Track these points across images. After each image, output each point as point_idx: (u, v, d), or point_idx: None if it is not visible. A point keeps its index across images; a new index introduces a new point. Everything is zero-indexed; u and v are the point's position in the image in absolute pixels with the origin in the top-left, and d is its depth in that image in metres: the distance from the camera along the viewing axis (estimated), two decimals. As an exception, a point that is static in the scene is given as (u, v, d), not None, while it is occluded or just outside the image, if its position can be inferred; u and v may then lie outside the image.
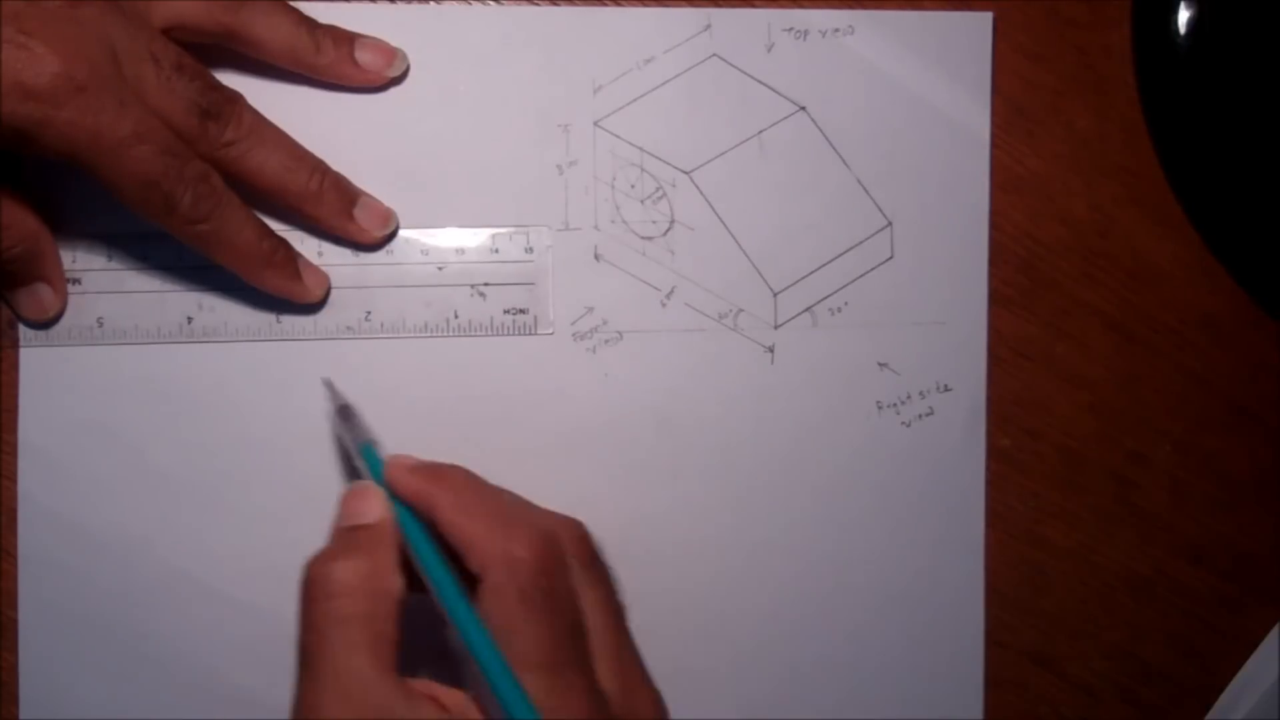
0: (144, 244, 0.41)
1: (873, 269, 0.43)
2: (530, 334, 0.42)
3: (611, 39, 0.42)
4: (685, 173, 0.43)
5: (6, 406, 0.41)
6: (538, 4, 0.42)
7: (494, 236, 0.42)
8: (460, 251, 0.42)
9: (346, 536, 0.36)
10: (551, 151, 0.42)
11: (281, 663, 0.42)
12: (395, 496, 0.36)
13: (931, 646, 0.44)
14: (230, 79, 0.40)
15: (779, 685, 0.44)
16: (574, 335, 0.42)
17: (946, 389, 0.44)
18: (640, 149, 0.42)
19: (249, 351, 0.41)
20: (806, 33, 0.43)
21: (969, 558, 0.44)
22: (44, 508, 0.41)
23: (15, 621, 0.41)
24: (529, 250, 0.42)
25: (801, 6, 0.43)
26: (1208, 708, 0.46)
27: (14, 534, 0.41)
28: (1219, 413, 0.45)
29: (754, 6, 0.43)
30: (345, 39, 0.41)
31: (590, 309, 0.42)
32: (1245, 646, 0.45)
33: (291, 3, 0.40)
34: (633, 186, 0.43)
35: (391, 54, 0.41)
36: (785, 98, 0.43)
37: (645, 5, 0.43)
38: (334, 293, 0.42)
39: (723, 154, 0.43)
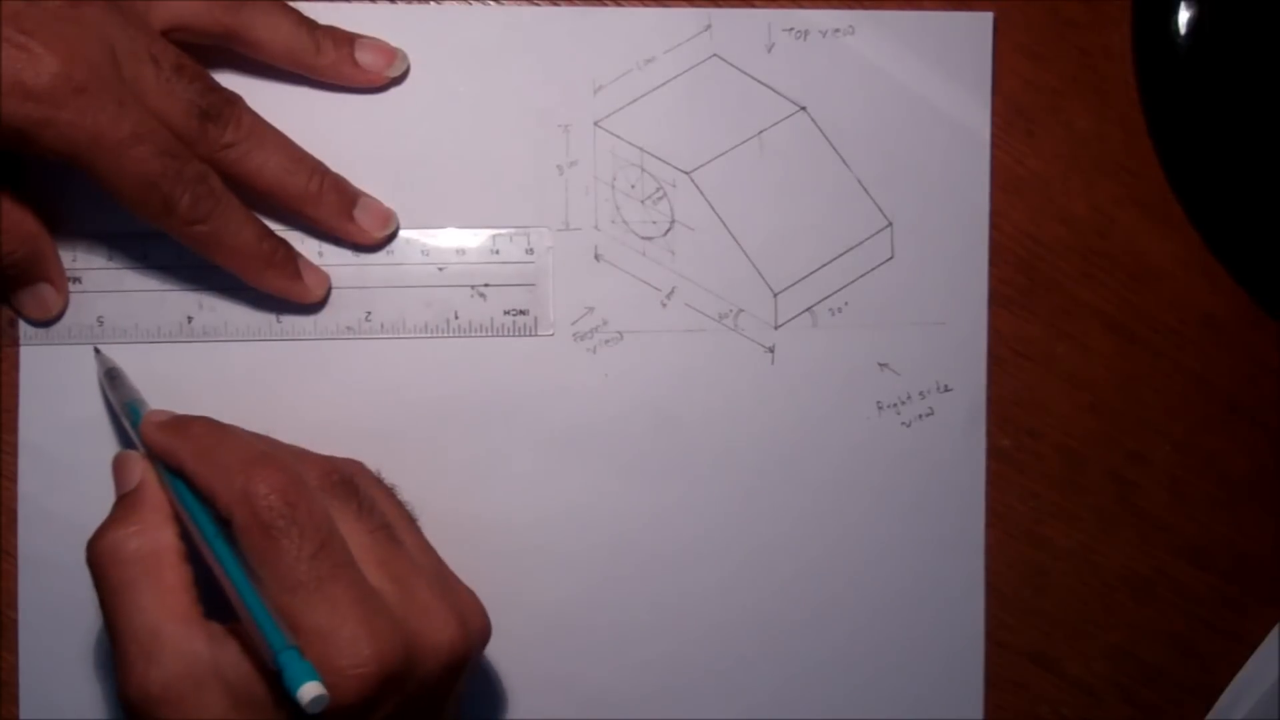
0: (144, 243, 0.41)
1: (873, 269, 0.43)
2: (530, 335, 0.42)
3: (611, 39, 0.42)
4: (685, 173, 0.43)
5: (6, 406, 0.41)
6: (538, 4, 0.42)
7: (494, 238, 0.42)
8: (460, 252, 0.42)
9: (116, 506, 0.36)
10: (551, 152, 0.42)
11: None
12: (154, 457, 0.37)
13: (931, 646, 0.44)
14: (230, 80, 0.40)
15: (779, 685, 0.44)
16: (574, 335, 0.42)
17: (946, 389, 0.44)
18: (640, 149, 0.42)
19: (249, 352, 0.41)
20: (807, 33, 0.43)
21: (969, 558, 0.44)
22: (44, 508, 0.41)
23: (15, 621, 0.41)
24: (529, 251, 0.42)
25: (802, 6, 0.43)
26: (1208, 708, 0.46)
27: (14, 534, 0.41)
28: (1219, 413, 0.45)
29: (754, 6, 0.43)
30: (345, 40, 0.41)
31: (590, 309, 0.42)
32: (1245, 646, 0.45)
33: (291, 3, 0.40)
34: (633, 187, 0.43)
35: (392, 54, 0.41)
36: (785, 98, 0.43)
37: (645, 5, 0.43)
38: (334, 293, 0.42)
39: (723, 154, 0.43)
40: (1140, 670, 0.45)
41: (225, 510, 0.34)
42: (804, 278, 0.43)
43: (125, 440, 0.41)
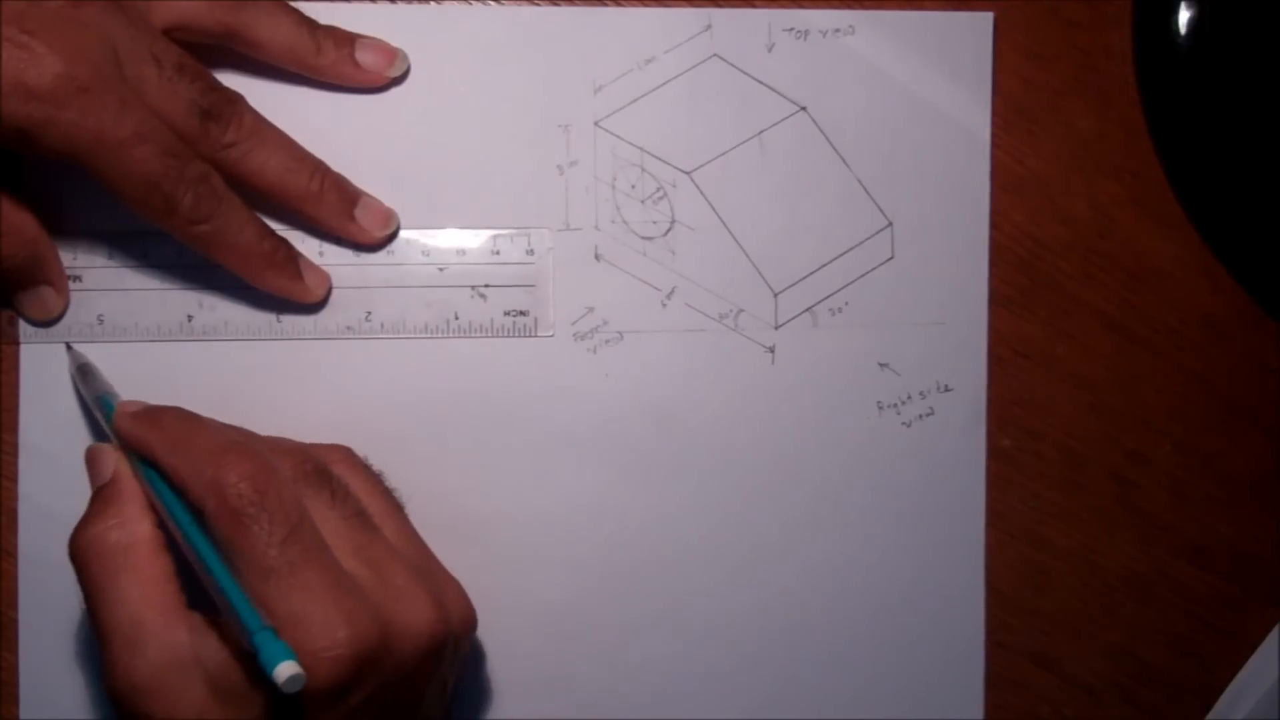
0: (145, 242, 0.41)
1: (873, 269, 0.43)
2: (531, 336, 0.42)
3: (612, 39, 0.42)
4: (686, 173, 0.43)
5: (6, 406, 0.41)
6: (538, 4, 0.42)
7: (495, 238, 0.42)
8: (461, 253, 0.42)
9: (95, 500, 0.37)
10: (552, 152, 0.42)
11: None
12: (128, 449, 0.37)
13: (931, 646, 0.44)
14: (231, 80, 0.40)
15: (779, 685, 0.44)
16: (574, 335, 0.42)
17: (947, 389, 0.44)
18: (641, 149, 0.42)
19: (249, 351, 0.41)
20: (807, 33, 0.43)
21: (969, 558, 0.44)
22: (44, 508, 0.41)
23: (15, 621, 0.41)
24: (530, 252, 0.42)
25: (802, 6, 0.43)
26: (1208, 708, 0.46)
27: (14, 534, 0.41)
28: (1219, 413, 0.45)
29: (754, 6, 0.43)
30: (346, 40, 0.41)
31: (591, 309, 0.42)
32: (1245, 646, 0.46)
33: (292, 3, 0.40)
34: (633, 187, 0.43)
35: (392, 54, 0.41)
36: (786, 98, 0.43)
37: (645, 5, 0.43)
38: (334, 293, 0.42)
39: (723, 154, 0.43)
40: (1140, 670, 0.45)
41: (198, 500, 0.34)
42: (804, 278, 0.43)
43: (99, 435, 0.41)
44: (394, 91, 0.42)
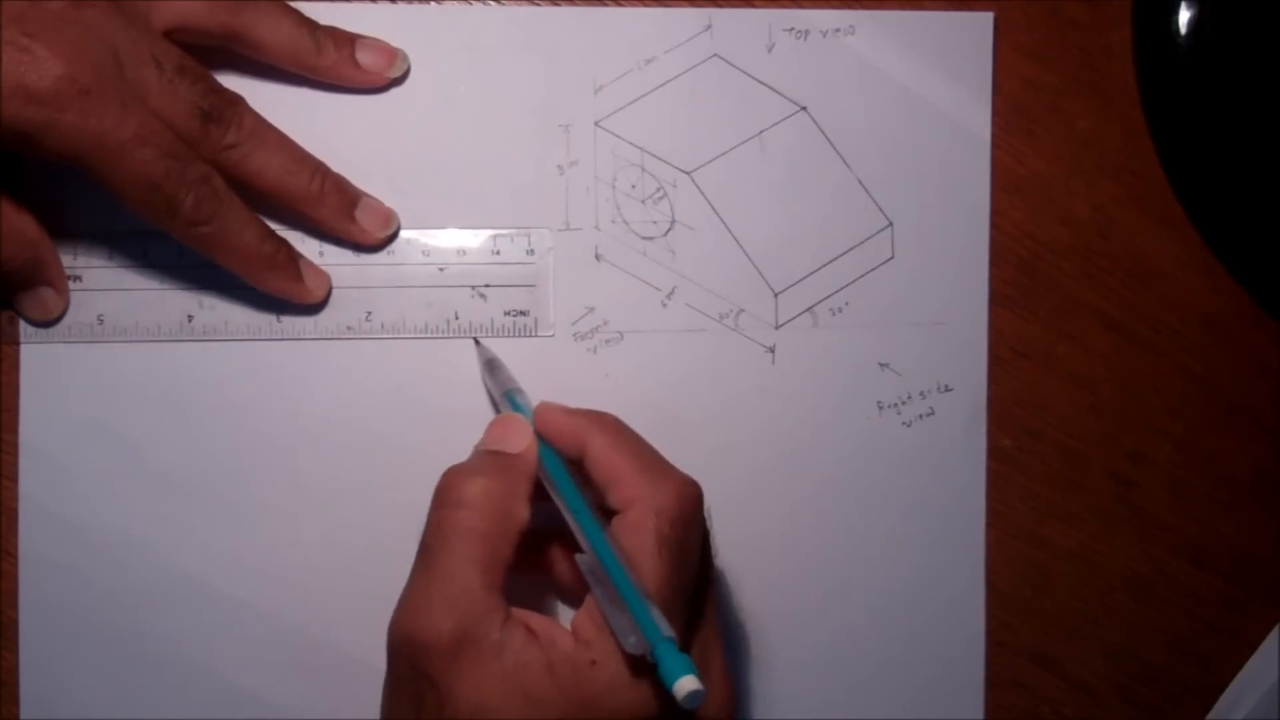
0: (145, 242, 0.41)
1: (873, 269, 0.43)
2: (531, 335, 0.42)
3: (612, 39, 0.42)
4: (686, 173, 0.43)
5: (6, 406, 0.41)
6: (538, 4, 0.42)
7: (495, 238, 0.42)
8: (461, 252, 0.42)
9: (488, 458, 0.37)
10: (552, 151, 0.42)
11: (281, 662, 0.42)
12: (541, 437, 0.38)
13: (932, 646, 0.44)
14: (231, 81, 0.40)
15: (779, 684, 0.44)
16: (575, 335, 0.42)
17: (947, 389, 0.44)
18: (641, 149, 0.42)
19: (249, 351, 0.41)
20: (807, 33, 0.43)
21: (969, 558, 0.44)
22: (44, 508, 0.41)
23: (15, 621, 0.41)
24: (530, 252, 0.42)
25: (802, 7, 0.43)
26: (1208, 708, 0.46)
27: (14, 534, 0.41)
28: (1219, 413, 0.45)
29: (755, 6, 0.43)
30: (346, 40, 0.41)
31: (591, 309, 0.42)
32: (1245, 646, 0.46)
33: (292, 3, 0.40)
34: (633, 187, 0.43)
35: (392, 55, 0.41)
36: (786, 98, 0.43)
37: (646, 5, 0.43)
38: (335, 292, 0.42)
39: (723, 154, 0.43)
40: (1140, 670, 0.45)
41: (620, 503, 0.35)
42: (804, 278, 0.43)
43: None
44: (395, 92, 0.42)
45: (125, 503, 0.41)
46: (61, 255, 0.41)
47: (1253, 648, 0.46)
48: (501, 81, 0.42)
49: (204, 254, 0.39)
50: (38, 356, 0.41)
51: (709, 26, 0.43)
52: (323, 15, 0.41)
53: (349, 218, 0.41)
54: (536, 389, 0.42)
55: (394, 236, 0.42)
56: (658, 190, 0.43)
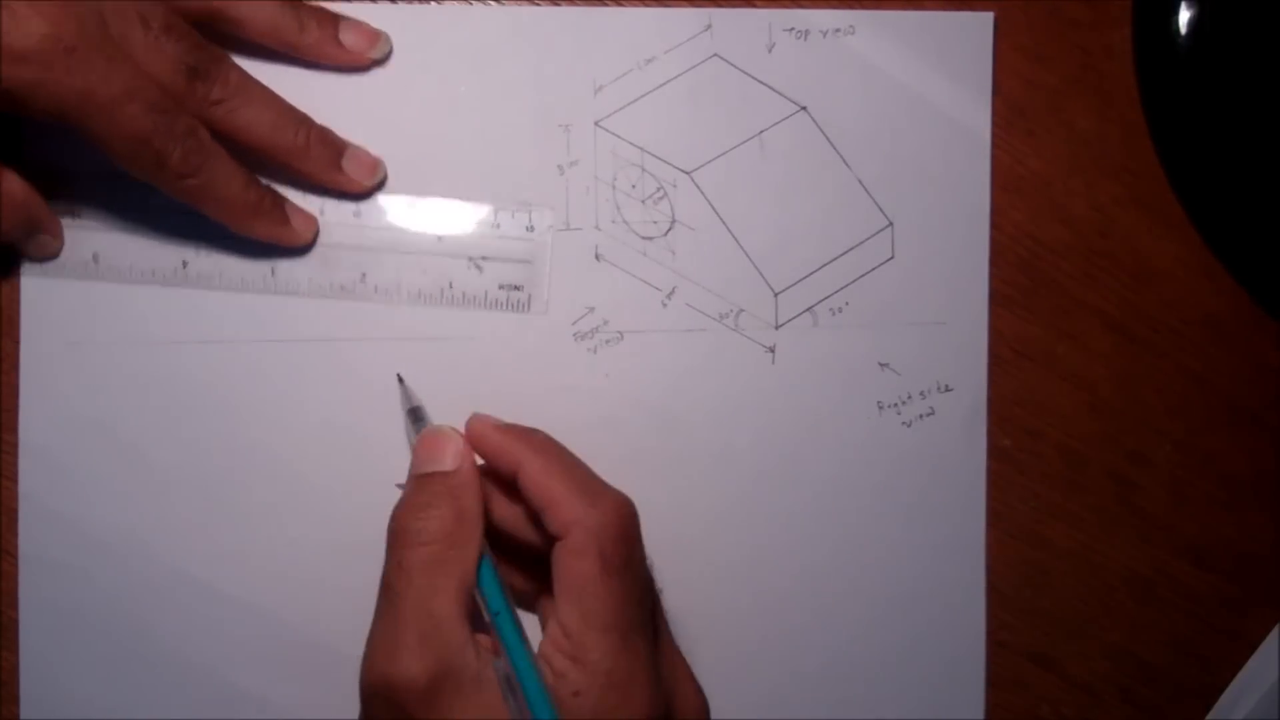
0: (145, 185, 0.40)
1: (873, 269, 0.43)
2: (523, 311, 0.42)
3: (612, 39, 0.42)
4: (686, 173, 0.43)
5: (6, 406, 0.41)
6: (538, 4, 0.42)
7: (496, 211, 0.42)
8: (461, 222, 0.42)
9: (429, 484, 0.37)
10: (552, 151, 0.42)
11: (282, 662, 0.42)
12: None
13: (932, 646, 0.44)
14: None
15: (779, 685, 0.44)
16: (575, 335, 0.42)
17: (947, 389, 0.44)
18: (641, 149, 0.42)
19: (250, 351, 0.41)
20: (807, 33, 0.43)
21: (969, 558, 0.44)
22: (44, 507, 0.41)
23: (15, 621, 0.41)
24: (530, 229, 0.42)
25: (802, 6, 0.43)
26: (1208, 708, 0.46)
27: (14, 534, 0.41)
28: (1219, 413, 0.45)
29: (755, 6, 0.43)
30: (330, 19, 0.41)
31: (591, 309, 0.42)
32: (1245, 646, 0.46)
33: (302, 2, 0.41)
34: (634, 186, 0.43)
35: (375, 35, 0.41)
36: (786, 98, 0.43)
37: (646, 5, 0.43)
38: (330, 251, 0.42)
39: (723, 154, 0.43)
40: (1140, 670, 0.45)
41: (559, 527, 0.35)
42: (804, 278, 0.43)
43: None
44: (395, 91, 0.42)
45: (125, 502, 0.41)
46: (59, 190, 0.41)
47: (1253, 648, 0.45)
48: (501, 81, 0.42)
49: (192, 205, 0.39)
50: (38, 356, 0.41)
51: (709, 26, 0.43)
52: (323, 15, 0.41)
53: (336, 168, 0.41)
54: (537, 388, 0.42)
55: (382, 184, 0.42)
56: (658, 190, 0.43)
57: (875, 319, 0.43)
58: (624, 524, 0.36)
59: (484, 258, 0.42)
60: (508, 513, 0.38)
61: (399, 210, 0.42)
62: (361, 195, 0.42)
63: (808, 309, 0.43)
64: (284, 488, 0.42)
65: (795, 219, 0.43)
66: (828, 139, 0.43)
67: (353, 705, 0.42)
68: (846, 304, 0.43)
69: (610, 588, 0.34)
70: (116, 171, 0.40)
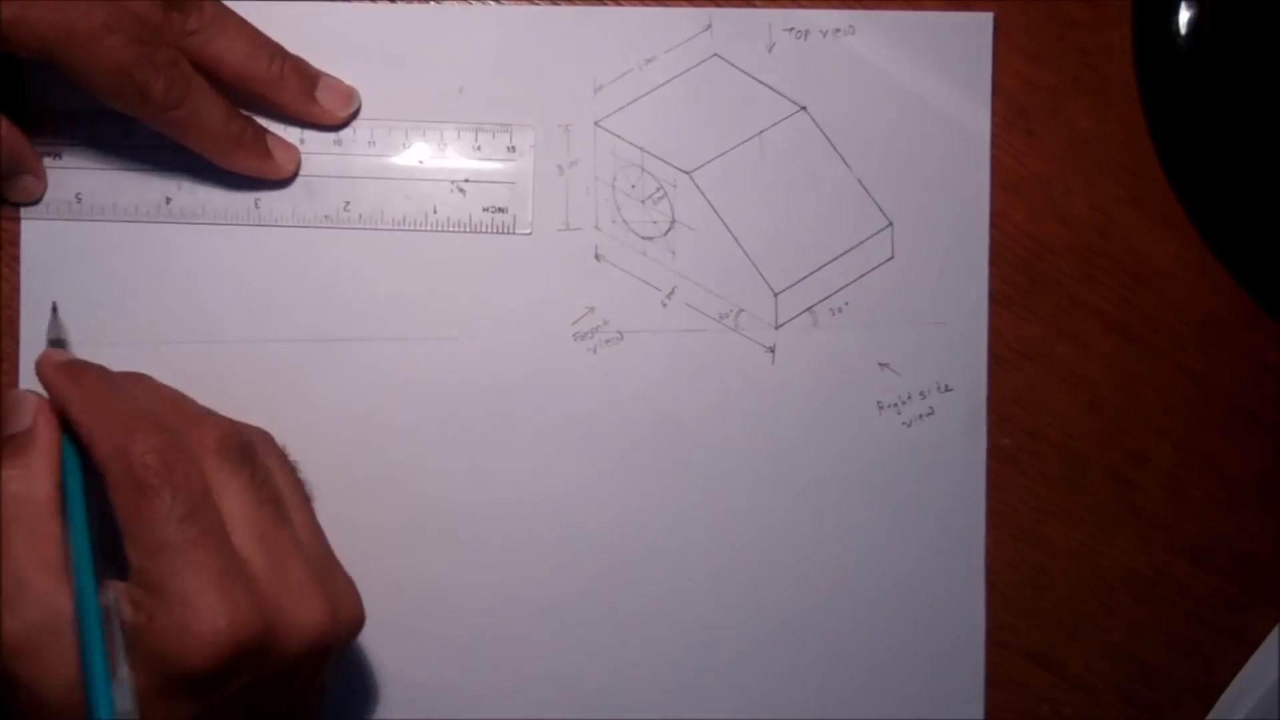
0: (125, 122, 0.40)
1: (873, 269, 0.43)
2: (509, 233, 0.42)
3: (612, 39, 0.42)
4: (686, 173, 0.43)
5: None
6: (538, 4, 0.42)
7: (477, 133, 0.42)
8: (442, 146, 0.42)
9: (5, 445, 0.36)
10: (552, 151, 0.42)
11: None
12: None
13: (932, 646, 0.44)
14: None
15: (778, 685, 0.44)
16: (575, 335, 0.42)
17: (947, 389, 0.44)
18: (641, 149, 0.42)
19: (252, 352, 0.41)
20: (807, 33, 0.43)
21: (969, 558, 0.44)
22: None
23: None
24: (511, 149, 0.42)
25: (802, 6, 0.43)
26: (1208, 708, 0.45)
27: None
28: (1219, 413, 0.45)
29: (755, 6, 0.43)
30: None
31: (591, 309, 0.42)
32: (1245, 646, 0.45)
33: (298, 3, 0.41)
34: (633, 186, 0.43)
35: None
36: (786, 98, 0.43)
37: (646, 5, 0.43)
38: (313, 181, 0.42)
39: (723, 154, 0.43)
40: (1140, 670, 0.45)
41: (102, 464, 0.34)
42: (804, 278, 0.43)
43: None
44: (397, 91, 0.42)
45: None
46: (41, 132, 0.41)
47: (1253, 648, 0.45)
48: (500, 81, 0.42)
49: (175, 137, 0.39)
50: (37, 356, 0.41)
51: (709, 26, 0.43)
52: (325, 14, 0.41)
53: (310, 99, 0.41)
54: (536, 388, 0.42)
55: (356, 114, 0.42)
56: (658, 190, 0.43)
57: (875, 319, 0.43)
58: (157, 445, 0.33)
59: (467, 180, 0.42)
60: None
61: (379, 136, 0.42)
62: (336, 126, 0.42)
63: (807, 309, 0.43)
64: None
65: (795, 219, 0.43)
66: (827, 139, 0.43)
67: (353, 703, 0.42)
68: (846, 304, 0.43)
69: (151, 510, 0.33)
70: (96, 111, 0.40)
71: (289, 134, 0.41)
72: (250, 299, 0.42)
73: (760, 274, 0.43)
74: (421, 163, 0.42)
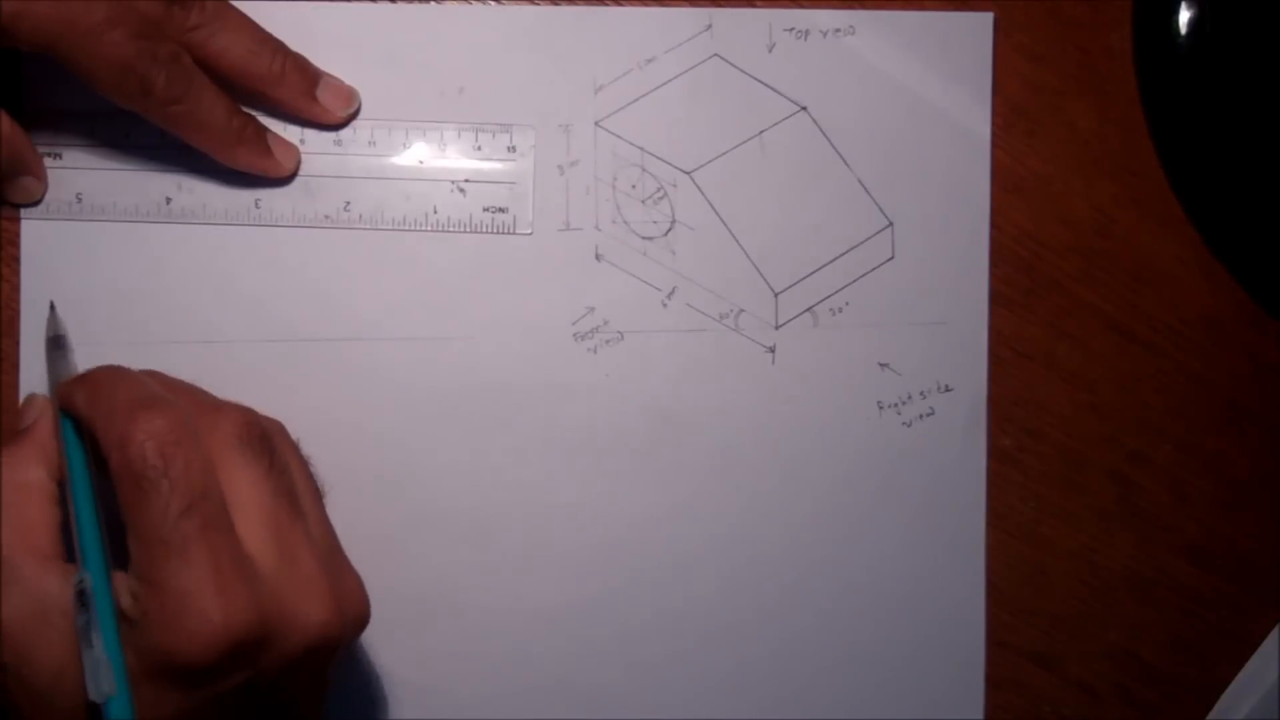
0: (126, 122, 0.40)
1: (874, 269, 0.43)
2: (509, 233, 0.42)
3: (612, 39, 0.42)
4: (686, 173, 0.43)
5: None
6: (538, 4, 0.42)
7: (478, 134, 0.42)
8: (442, 147, 0.42)
9: (10, 442, 0.36)
10: (552, 151, 0.42)
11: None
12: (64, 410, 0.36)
13: (932, 646, 0.44)
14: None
15: (779, 685, 0.44)
16: (575, 335, 0.42)
17: (947, 389, 0.44)
18: (641, 149, 0.42)
19: (254, 351, 0.41)
20: (807, 33, 0.43)
21: (970, 558, 0.44)
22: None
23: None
24: (512, 149, 0.42)
25: (802, 6, 0.43)
26: (1208, 708, 0.46)
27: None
28: (1219, 413, 0.45)
29: (755, 6, 0.43)
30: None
31: (591, 309, 0.42)
32: (1245, 646, 0.46)
33: (302, 2, 0.41)
34: (634, 187, 0.43)
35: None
36: (786, 98, 0.43)
37: (646, 5, 0.43)
38: (313, 181, 0.42)
39: (724, 154, 0.43)
40: (1140, 670, 0.45)
41: (105, 453, 0.33)
42: (804, 278, 0.43)
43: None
44: (397, 91, 0.42)
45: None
46: (42, 133, 0.41)
47: (1253, 648, 0.45)
48: (501, 81, 0.42)
49: (176, 133, 0.39)
50: (37, 355, 0.41)
51: (709, 26, 0.43)
52: (325, 14, 0.41)
53: (311, 97, 0.41)
54: (536, 388, 0.42)
55: (356, 114, 0.42)
56: (658, 190, 0.43)
57: (875, 319, 0.43)
58: (158, 433, 0.33)
59: (467, 180, 0.42)
60: None
61: (380, 136, 0.42)
62: (336, 125, 0.42)
63: (808, 309, 0.43)
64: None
65: (795, 219, 0.43)
66: (828, 139, 0.43)
67: (352, 702, 0.42)
68: (846, 304, 0.43)
69: (149, 500, 0.32)
70: (97, 111, 0.40)
71: (289, 134, 0.41)
72: (250, 300, 0.42)
73: (760, 274, 0.43)
74: (422, 163, 0.42)
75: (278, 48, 0.40)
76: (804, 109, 0.43)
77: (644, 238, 0.43)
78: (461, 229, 0.42)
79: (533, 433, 0.42)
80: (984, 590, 0.44)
